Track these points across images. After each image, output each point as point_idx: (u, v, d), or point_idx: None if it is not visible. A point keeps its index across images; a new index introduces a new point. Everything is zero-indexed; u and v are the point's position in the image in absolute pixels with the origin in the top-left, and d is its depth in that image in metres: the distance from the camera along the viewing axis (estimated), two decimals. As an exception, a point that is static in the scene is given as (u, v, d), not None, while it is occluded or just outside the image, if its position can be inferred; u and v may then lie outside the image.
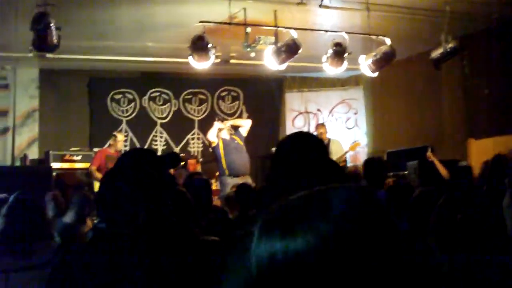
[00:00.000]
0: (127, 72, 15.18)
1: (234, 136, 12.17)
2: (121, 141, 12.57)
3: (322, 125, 14.27)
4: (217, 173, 12.63)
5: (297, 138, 2.87)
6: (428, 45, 11.90)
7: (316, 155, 2.73)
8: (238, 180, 10.35)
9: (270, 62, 10.76)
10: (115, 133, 12.60)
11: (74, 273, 2.77)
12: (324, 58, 11.03)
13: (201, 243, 3.27)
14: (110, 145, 12.58)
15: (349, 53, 10.80)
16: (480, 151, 11.91)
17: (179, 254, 2.99)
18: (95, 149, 13.32)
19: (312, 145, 2.78)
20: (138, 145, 15.17)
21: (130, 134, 15.20)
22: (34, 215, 4.50)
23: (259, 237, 1.21)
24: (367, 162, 7.59)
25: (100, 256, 2.77)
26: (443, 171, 10.10)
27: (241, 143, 12.05)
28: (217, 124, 12.17)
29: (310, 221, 1.14)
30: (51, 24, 8.49)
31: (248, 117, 15.07)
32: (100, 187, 3.05)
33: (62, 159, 13.20)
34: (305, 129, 16.50)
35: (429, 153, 10.63)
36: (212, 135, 12.10)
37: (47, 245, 4.39)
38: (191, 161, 13.69)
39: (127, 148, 14.57)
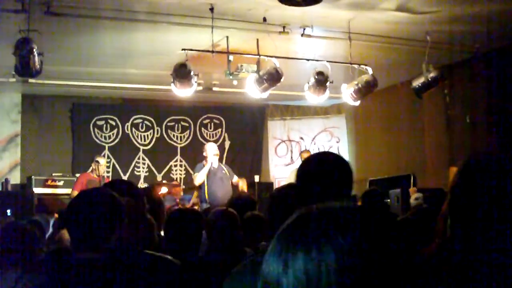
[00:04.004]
0: (109, 99, 15.22)
1: (223, 165, 12.17)
2: (103, 165, 12.49)
3: (307, 151, 14.29)
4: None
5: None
6: (409, 74, 12.00)
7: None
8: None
9: (252, 90, 10.75)
10: (97, 158, 12.52)
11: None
12: (306, 87, 11.05)
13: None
14: (92, 170, 12.50)
15: (331, 82, 10.83)
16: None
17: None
18: (77, 175, 13.25)
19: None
20: (120, 171, 15.14)
21: (113, 161, 15.14)
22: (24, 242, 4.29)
23: (278, 252, 1.20)
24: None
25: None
26: None
27: (228, 174, 11.97)
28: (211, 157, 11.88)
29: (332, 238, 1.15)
30: (34, 50, 8.48)
31: (231, 144, 15.13)
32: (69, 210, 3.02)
33: (44, 184, 13.18)
34: (287, 157, 16.55)
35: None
36: (201, 178, 11.81)
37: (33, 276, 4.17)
38: (176, 189, 13.50)
39: (109, 174, 14.52)
